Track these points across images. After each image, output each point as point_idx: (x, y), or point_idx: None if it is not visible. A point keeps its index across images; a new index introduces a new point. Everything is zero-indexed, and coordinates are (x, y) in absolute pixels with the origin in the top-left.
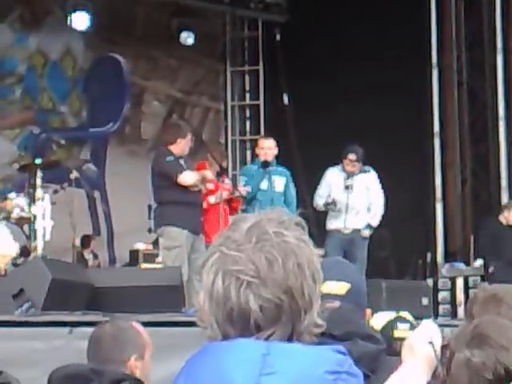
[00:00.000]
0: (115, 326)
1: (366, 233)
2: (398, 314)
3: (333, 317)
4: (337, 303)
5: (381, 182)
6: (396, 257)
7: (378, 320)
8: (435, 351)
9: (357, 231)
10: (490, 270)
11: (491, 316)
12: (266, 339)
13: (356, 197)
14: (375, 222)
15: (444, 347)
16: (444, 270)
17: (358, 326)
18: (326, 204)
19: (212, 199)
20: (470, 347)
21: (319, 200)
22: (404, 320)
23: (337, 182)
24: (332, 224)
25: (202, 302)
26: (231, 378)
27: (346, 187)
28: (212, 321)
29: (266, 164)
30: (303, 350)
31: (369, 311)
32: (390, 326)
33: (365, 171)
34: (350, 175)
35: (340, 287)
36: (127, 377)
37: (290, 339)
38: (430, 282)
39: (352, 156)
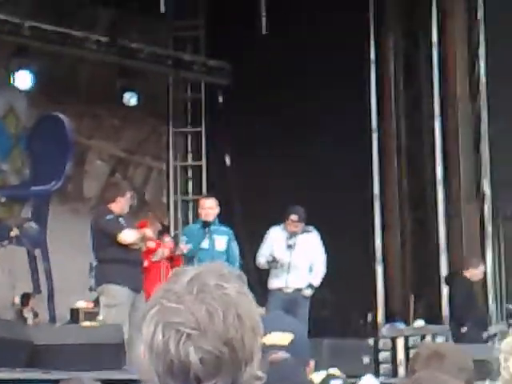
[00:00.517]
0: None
1: (308, 292)
2: (328, 373)
3: (276, 372)
4: (281, 353)
5: (323, 242)
6: (337, 316)
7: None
8: None
9: (298, 290)
10: (463, 330)
11: (432, 371)
12: None
13: (298, 256)
14: (317, 282)
15: None
16: (384, 329)
17: (301, 380)
18: (268, 262)
19: (154, 257)
20: None
21: (261, 258)
22: (335, 377)
23: (279, 241)
24: (274, 283)
25: (143, 354)
26: None
27: (289, 246)
28: (152, 375)
29: (206, 224)
30: None
31: (312, 363)
32: None
33: (307, 231)
34: (292, 235)
35: (283, 338)
36: None
37: None
38: (370, 341)
39: (294, 217)
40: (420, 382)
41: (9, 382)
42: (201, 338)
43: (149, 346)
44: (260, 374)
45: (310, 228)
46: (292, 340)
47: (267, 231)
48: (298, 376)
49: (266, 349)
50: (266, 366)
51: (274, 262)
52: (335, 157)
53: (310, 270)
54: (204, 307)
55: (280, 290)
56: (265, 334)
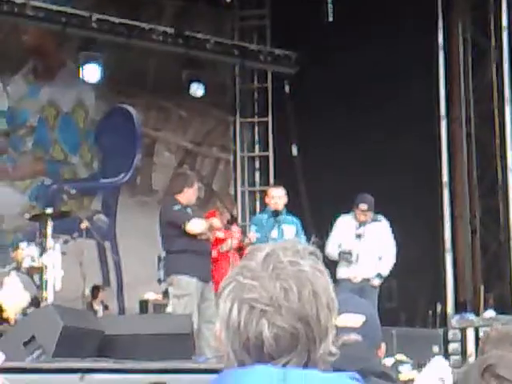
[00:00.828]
0: None
1: (376, 282)
2: (396, 359)
3: (347, 354)
4: (353, 335)
5: (392, 232)
6: (405, 308)
7: None
8: None
9: (366, 280)
10: None
11: (502, 351)
12: (283, 366)
13: (367, 246)
14: (385, 272)
15: None
16: (454, 320)
17: (373, 363)
18: (343, 253)
19: (223, 248)
20: (479, 382)
21: (331, 248)
22: (403, 362)
23: (348, 231)
24: (342, 273)
25: (219, 331)
26: None
27: (357, 236)
28: (228, 349)
29: (276, 213)
30: (319, 376)
31: (384, 346)
32: (393, 371)
33: (376, 220)
34: (361, 224)
35: (355, 320)
36: None
37: (305, 368)
38: (440, 331)
39: (363, 206)
40: (488, 361)
41: (79, 371)
42: (275, 314)
43: (225, 323)
44: (334, 350)
45: (380, 217)
46: (364, 322)
47: (336, 220)
48: (370, 358)
49: (338, 330)
50: (339, 351)
51: (348, 253)
52: (403, 144)
53: (379, 259)
54: (279, 284)
55: (348, 279)
56: (337, 316)
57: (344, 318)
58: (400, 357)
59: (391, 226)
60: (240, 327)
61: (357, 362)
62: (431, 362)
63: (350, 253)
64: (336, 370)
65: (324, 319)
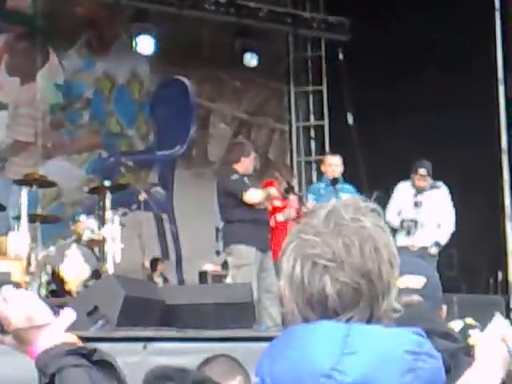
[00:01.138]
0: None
1: (434, 250)
2: (465, 322)
3: (410, 314)
4: (414, 297)
5: (451, 199)
6: (466, 276)
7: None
8: (509, 348)
9: (424, 249)
10: None
11: None
12: (346, 322)
13: (425, 213)
14: (443, 240)
15: None
16: None
17: (436, 323)
18: (406, 222)
19: (280, 217)
20: None
21: (391, 216)
22: (472, 326)
23: (406, 198)
24: (400, 241)
25: (283, 288)
26: (314, 358)
27: (416, 204)
28: (293, 306)
29: (334, 181)
30: (383, 331)
31: (445, 307)
32: (462, 335)
33: (435, 187)
34: (419, 191)
35: (417, 281)
36: (207, 380)
37: (368, 323)
38: (502, 298)
39: (422, 171)
40: None
41: (143, 340)
42: (338, 270)
43: (288, 279)
44: (398, 306)
45: (439, 184)
46: (425, 283)
47: (395, 187)
48: (433, 319)
49: (399, 292)
50: (401, 312)
51: (411, 222)
52: (461, 111)
53: (438, 227)
54: (341, 240)
55: (406, 248)
56: (398, 277)
57: (405, 279)
58: (469, 320)
59: (450, 194)
60: (303, 283)
61: (420, 323)
62: (492, 321)
63: (414, 221)
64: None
65: (386, 275)
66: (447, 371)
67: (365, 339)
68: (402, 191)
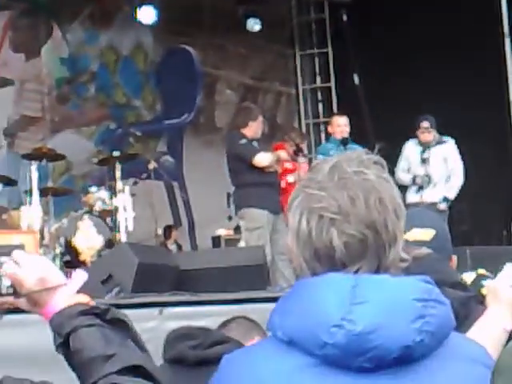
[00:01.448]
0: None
1: (443, 206)
2: (478, 273)
3: (419, 266)
4: (424, 249)
5: (461, 154)
6: (478, 229)
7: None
8: None
9: (434, 204)
10: None
11: None
12: (354, 273)
13: (433, 169)
14: (452, 195)
15: None
16: None
17: (446, 274)
18: (419, 177)
19: (291, 178)
20: None
21: (401, 174)
22: (485, 276)
23: (414, 156)
24: (410, 198)
25: (290, 243)
26: (324, 309)
27: (423, 160)
28: (300, 260)
29: (345, 141)
30: (391, 280)
31: (455, 257)
32: (475, 286)
33: (442, 142)
34: (426, 147)
35: (425, 233)
36: (230, 339)
37: (376, 273)
38: None
39: (425, 123)
40: None
41: (158, 305)
42: (344, 222)
43: (295, 234)
44: (405, 255)
45: (445, 138)
46: (434, 235)
47: (403, 146)
48: (442, 270)
49: (409, 244)
50: (409, 260)
51: (425, 177)
52: (468, 68)
53: (447, 181)
54: (345, 193)
55: (416, 204)
56: (407, 230)
57: (414, 232)
58: (482, 271)
59: (461, 149)
60: (310, 236)
61: (429, 274)
62: (504, 269)
63: (428, 176)
64: None
65: (392, 225)
66: (458, 319)
67: (373, 289)
68: (409, 149)
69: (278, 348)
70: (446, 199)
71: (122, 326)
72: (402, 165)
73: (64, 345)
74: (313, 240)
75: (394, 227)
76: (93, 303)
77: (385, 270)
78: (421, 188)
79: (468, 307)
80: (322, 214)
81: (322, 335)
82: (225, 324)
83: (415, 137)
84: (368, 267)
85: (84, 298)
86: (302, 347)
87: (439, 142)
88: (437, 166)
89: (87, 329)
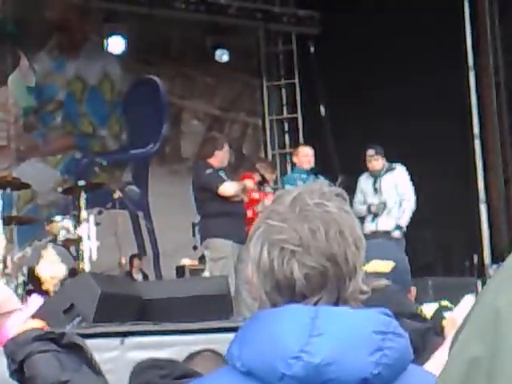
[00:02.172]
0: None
1: (397, 234)
2: (440, 304)
3: (378, 297)
4: (383, 281)
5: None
6: (441, 260)
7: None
8: None
9: (388, 233)
10: None
11: None
12: (314, 305)
13: (386, 197)
14: (404, 222)
15: None
16: (491, 270)
17: (404, 305)
18: (374, 205)
19: (258, 208)
20: None
21: (358, 206)
22: (447, 308)
23: (367, 187)
24: (366, 227)
25: (251, 274)
26: (283, 340)
27: (375, 190)
28: (261, 292)
29: (312, 170)
30: (350, 312)
31: (414, 289)
32: (437, 317)
33: (391, 169)
34: (376, 177)
35: (385, 265)
36: (196, 374)
37: (335, 305)
38: (478, 281)
39: (370, 151)
40: None
41: (120, 335)
42: (304, 254)
43: (256, 265)
44: (365, 287)
45: (395, 165)
46: (393, 267)
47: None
48: (400, 301)
49: (368, 276)
50: (369, 292)
51: (380, 204)
52: (432, 97)
53: (400, 205)
54: (306, 225)
55: (372, 233)
56: (366, 262)
57: (374, 263)
58: (445, 303)
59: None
60: (271, 268)
61: (388, 305)
62: (463, 300)
63: (383, 203)
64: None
65: (352, 257)
66: (416, 350)
67: (332, 320)
68: (363, 181)
69: (236, 378)
70: (398, 227)
71: (78, 350)
72: (358, 197)
73: (18, 371)
74: (274, 271)
75: (354, 260)
76: (47, 328)
77: (344, 302)
78: (376, 216)
79: (426, 339)
80: (282, 246)
81: (281, 367)
82: (191, 357)
83: (367, 169)
84: (328, 299)
85: (39, 324)
86: (261, 378)
87: (389, 170)
88: (389, 193)
89: (41, 355)
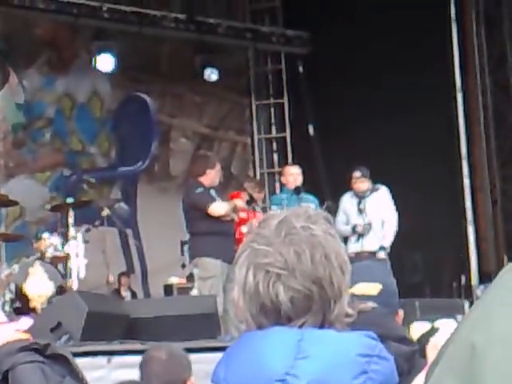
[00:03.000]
0: (171, 350)
1: (381, 255)
2: (432, 326)
3: (365, 320)
4: (370, 304)
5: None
6: (429, 280)
7: (415, 331)
8: None
9: (373, 254)
10: None
11: None
12: (299, 328)
13: (371, 217)
14: (387, 243)
15: None
16: (479, 291)
17: (391, 328)
18: (360, 226)
19: (245, 228)
20: None
21: (341, 226)
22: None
23: (351, 208)
24: (350, 248)
25: (236, 297)
26: (268, 363)
27: (359, 211)
28: (246, 315)
29: (298, 189)
30: (335, 335)
31: (401, 312)
32: (424, 339)
33: (375, 190)
34: (361, 198)
35: (372, 288)
36: None
37: (321, 328)
38: (465, 302)
39: (357, 173)
40: None
41: (107, 354)
42: (290, 277)
43: (242, 288)
44: (350, 311)
45: (378, 186)
46: (381, 290)
47: (340, 200)
48: (387, 324)
49: (355, 299)
50: (355, 315)
51: (367, 225)
52: (420, 120)
53: (382, 228)
54: (292, 248)
55: (356, 254)
56: (353, 285)
57: (361, 286)
58: (438, 324)
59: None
60: (257, 291)
61: (375, 328)
62: (445, 324)
63: (369, 223)
64: None
65: (337, 281)
66: (401, 374)
67: (317, 343)
68: (346, 201)
69: None
70: (382, 248)
71: (63, 361)
72: (341, 217)
73: (3, 381)
74: (259, 295)
75: (340, 283)
76: (32, 339)
77: (329, 325)
78: (361, 236)
79: (412, 362)
80: (268, 270)
81: None
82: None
83: (351, 189)
84: (313, 322)
85: (24, 336)
86: None
87: (373, 190)
88: (373, 214)
89: (26, 365)
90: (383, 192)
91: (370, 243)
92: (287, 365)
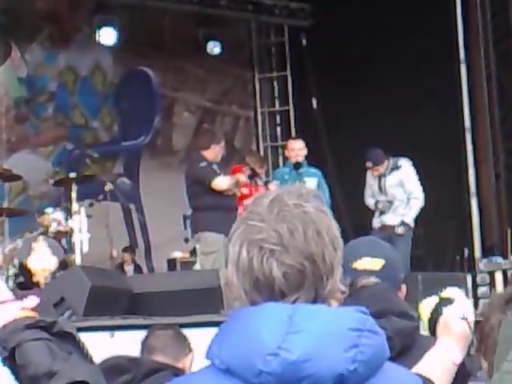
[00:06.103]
0: (172, 327)
1: (401, 230)
2: (440, 297)
3: (367, 294)
4: (372, 278)
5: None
6: (432, 254)
7: (425, 309)
8: (469, 325)
9: (393, 228)
10: None
11: None
12: (292, 303)
13: (391, 195)
14: (409, 218)
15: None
16: (482, 264)
17: (393, 303)
18: (381, 202)
19: (245, 203)
20: (503, 310)
21: (367, 199)
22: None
23: (373, 185)
24: (374, 223)
25: (230, 274)
26: (260, 338)
27: (380, 188)
28: (240, 291)
29: (298, 165)
30: (327, 310)
31: (404, 287)
32: (436, 313)
33: (396, 168)
34: (381, 177)
35: (375, 263)
36: (165, 366)
37: (313, 304)
38: (468, 276)
39: (368, 164)
40: None
41: (109, 329)
42: (283, 253)
43: (235, 265)
44: (342, 287)
45: (400, 162)
46: (383, 265)
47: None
48: (389, 299)
49: (358, 273)
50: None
51: (387, 202)
52: (423, 91)
53: (407, 205)
54: (285, 225)
55: (377, 230)
56: (356, 260)
57: (364, 261)
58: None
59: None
60: (250, 267)
61: (375, 302)
62: (455, 300)
63: (389, 201)
64: None
65: (329, 257)
66: (404, 349)
67: (309, 318)
68: (369, 177)
69: (215, 376)
70: (403, 223)
71: (69, 338)
72: (367, 191)
73: (10, 358)
74: (253, 270)
75: (332, 259)
76: (38, 317)
77: (322, 301)
78: (382, 213)
79: (413, 337)
80: (262, 245)
81: (258, 363)
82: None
83: None
84: (306, 297)
85: (30, 313)
86: (239, 375)
87: (394, 168)
88: (393, 192)
89: (32, 343)
90: (404, 169)
91: (391, 219)
92: (279, 339)
